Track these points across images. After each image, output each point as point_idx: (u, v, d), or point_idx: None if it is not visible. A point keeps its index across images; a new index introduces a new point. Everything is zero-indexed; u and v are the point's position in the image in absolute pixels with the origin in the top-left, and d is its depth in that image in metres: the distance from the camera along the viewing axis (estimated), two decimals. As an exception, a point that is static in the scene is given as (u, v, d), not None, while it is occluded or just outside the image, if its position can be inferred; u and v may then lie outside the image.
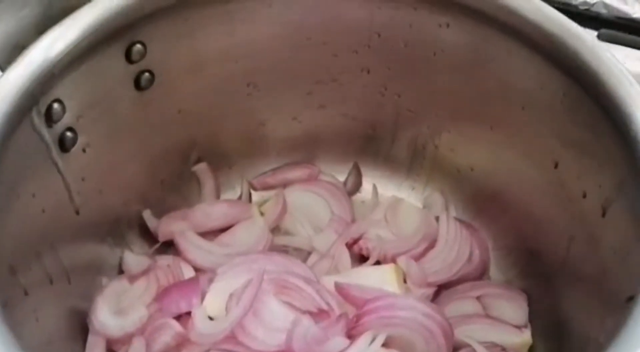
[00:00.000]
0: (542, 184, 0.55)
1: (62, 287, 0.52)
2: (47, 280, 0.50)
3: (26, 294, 0.45)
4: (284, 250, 0.62)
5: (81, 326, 0.55)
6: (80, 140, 0.50)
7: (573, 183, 0.51)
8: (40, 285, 0.48)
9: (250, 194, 0.68)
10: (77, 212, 0.53)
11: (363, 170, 0.69)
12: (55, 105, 0.47)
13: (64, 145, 0.49)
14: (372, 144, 0.67)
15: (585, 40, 0.47)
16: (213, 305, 0.53)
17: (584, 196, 0.50)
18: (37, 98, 0.44)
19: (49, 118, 0.46)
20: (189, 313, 0.53)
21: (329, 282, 0.54)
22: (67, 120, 0.48)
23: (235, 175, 0.68)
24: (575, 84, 0.47)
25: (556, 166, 0.53)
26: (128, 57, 0.51)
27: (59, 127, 0.48)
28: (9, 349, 0.31)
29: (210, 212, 0.63)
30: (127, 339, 0.53)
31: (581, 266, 0.52)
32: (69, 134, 0.49)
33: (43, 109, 0.46)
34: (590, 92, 0.46)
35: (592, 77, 0.46)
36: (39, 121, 0.46)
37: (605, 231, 0.48)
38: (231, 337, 0.50)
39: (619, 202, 0.46)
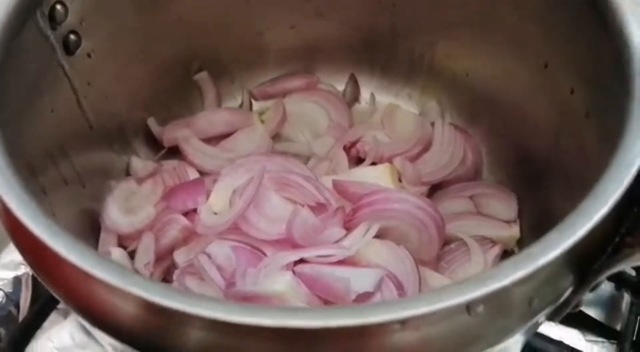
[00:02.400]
0: (532, 84, 0.57)
1: (76, 189, 0.55)
2: (63, 182, 0.52)
3: (45, 193, 0.48)
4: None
5: (94, 225, 0.58)
6: (84, 45, 0.52)
7: (561, 81, 0.53)
8: (57, 186, 0.51)
9: (250, 104, 0.70)
10: (85, 116, 0.55)
11: (361, 80, 0.70)
12: (58, 7, 0.48)
13: (68, 48, 0.51)
14: (369, 53, 0.68)
15: None
16: (217, 202, 0.56)
17: (572, 92, 0.52)
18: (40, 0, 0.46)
19: (53, 19, 0.48)
20: (194, 211, 0.56)
21: (327, 181, 0.57)
22: (70, 22, 0.50)
23: (236, 85, 0.69)
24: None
25: (546, 66, 0.55)
26: (128, -40, 0.52)
27: (63, 29, 0.50)
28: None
29: (212, 119, 0.65)
30: (137, 235, 0.57)
31: (567, 161, 0.54)
32: (72, 36, 0.51)
33: (46, 11, 0.47)
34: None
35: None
36: (43, 23, 0.47)
37: (590, 126, 0.50)
38: (235, 228, 0.53)
39: (604, 96, 0.48)
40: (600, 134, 0.49)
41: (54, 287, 0.34)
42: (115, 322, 0.32)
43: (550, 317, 0.38)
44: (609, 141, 0.46)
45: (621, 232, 0.35)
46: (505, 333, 0.34)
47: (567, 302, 0.36)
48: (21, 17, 0.44)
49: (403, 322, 0.29)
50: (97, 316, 0.32)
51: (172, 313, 0.29)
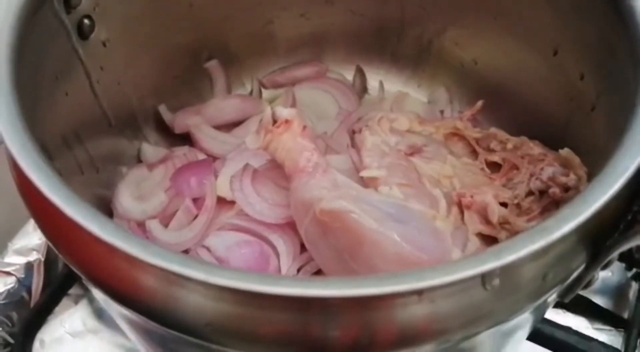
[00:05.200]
0: (542, 71, 0.57)
1: (90, 175, 0.55)
2: (77, 167, 0.53)
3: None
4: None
5: (106, 212, 0.58)
6: (98, 29, 0.53)
7: (571, 67, 0.53)
8: (72, 172, 0.52)
9: (260, 92, 0.70)
10: (98, 102, 0.56)
11: (370, 67, 0.71)
12: (73, -10, 0.49)
13: (82, 32, 0.51)
14: (379, 42, 0.69)
15: None
16: (223, 187, 0.56)
17: (582, 78, 0.52)
18: (56, -17, 0.46)
19: (68, 4, 0.49)
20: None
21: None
22: (84, 7, 0.50)
23: (246, 73, 0.70)
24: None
25: (555, 53, 0.55)
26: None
27: (78, 13, 0.50)
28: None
29: (223, 106, 0.65)
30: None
31: (577, 148, 0.54)
32: (86, 21, 0.51)
33: (61, -6, 0.48)
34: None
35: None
36: (59, 6, 0.48)
37: (601, 111, 0.51)
38: (243, 214, 0.53)
39: (614, 81, 0.48)
40: (610, 119, 0.49)
41: (72, 260, 0.34)
42: (133, 294, 0.32)
43: (562, 295, 0.38)
44: (619, 126, 0.47)
45: (633, 209, 0.36)
46: (517, 309, 0.34)
47: (579, 279, 0.36)
48: (37, 1, 0.45)
49: (420, 293, 0.30)
50: (116, 288, 0.32)
51: (191, 283, 0.29)
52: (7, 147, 0.37)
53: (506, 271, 0.31)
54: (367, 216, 0.44)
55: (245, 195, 0.53)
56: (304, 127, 0.51)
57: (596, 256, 0.35)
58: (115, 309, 0.39)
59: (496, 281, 0.31)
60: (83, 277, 0.34)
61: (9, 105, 0.39)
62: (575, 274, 0.35)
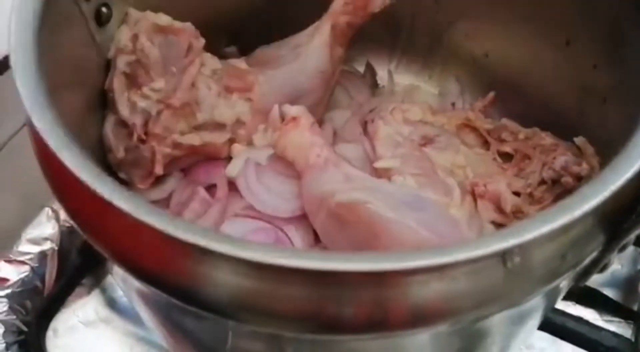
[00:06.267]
0: (554, 63, 0.57)
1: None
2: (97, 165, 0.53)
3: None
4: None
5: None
6: (115, 16, 0.53)
7: (584, 58, 0.54)
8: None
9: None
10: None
11: (381, 60, 0.71)
12: (92, -21, 0.49)
13: (100, 19, 0.51)
14: (390, 34, 0.69)
15: None
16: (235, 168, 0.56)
17: (595, 68, 0.53)
18: (74, -30, 0.47)
19: (86, -8, 0.49)
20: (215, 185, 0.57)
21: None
22: (102, -6, 0.51)
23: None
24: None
25: (568, 43, 0.56)
26: None
27: (96, 1, 0.50)
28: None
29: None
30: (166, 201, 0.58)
31: (589, 136, 0.54)
32: (104, 9, 0.52)
33: (80, -18, 0.48)
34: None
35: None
36: (78, -6, 0.48)
37: (614, 101, 0.51)
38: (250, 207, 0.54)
39: (628, 69, 0.49)
40: (623, 110, 0.49)
41: (96, 237, 0.34)
42: (157, 270, 0.32)
43: (578, 279, 0.39)
44: (633, 115, 0.48)
45: (651, 192, 0.36)
46: (533, 290, 0.35)
47: (596, 261, 0.37)
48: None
49: (442, 269, 0.30)
50: (139, 264, 0.33)
51: (213, 257, 0.30)
52: (33, 125, 0.37)
53: (527, 249, 0.31)
54: (384, 205, 0.45)
55: (255, 193, 0.53)
56: (312, 123, 0.51)
57: (613, 238, 0.35)
58: (134, 288, 0.39)
59: (517, 259, 0.31)
60: (107, 254, 0.34)
61: (36, 88, 0.40)
62: (592, 256, 0.36)
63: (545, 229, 0.30)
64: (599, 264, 0.37)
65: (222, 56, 0.65)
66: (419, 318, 0.33)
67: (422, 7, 0.66)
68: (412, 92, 0.68)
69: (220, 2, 0.63)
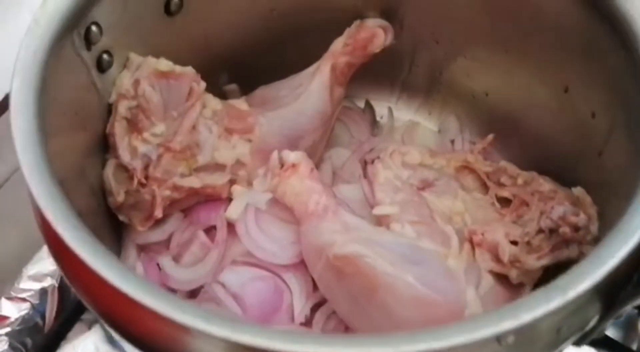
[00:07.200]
0: (553, 107, 0.58)
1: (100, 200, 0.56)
2: (90, 191, 0.54)
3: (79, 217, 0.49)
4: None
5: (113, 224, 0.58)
6: (116, 61, 0.53)
7: (582, 105, 0.54)
8: (85, 196, 0.53)
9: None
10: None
11: (381, 96, 0.71)
12: (94, 28, 0.49)
13: (101, 66, 0.52)
14: (390, 71, 0.70)
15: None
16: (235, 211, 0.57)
17: (593, 116, 0.53)
18: (77, 21, 0.47)
19: (88, 40, 0.49)
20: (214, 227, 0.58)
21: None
22: (104, 43, 0.51)
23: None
24: (593, 13, 0.49)
25: (566, 90, 0.56)
26: (159, -19, 0.54)
27: (97, 49, 0.51)
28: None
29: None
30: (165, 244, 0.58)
31: (587, 183, 0.55)
32: (105, 56, 0.52)
33: (82, 32, 0.48)
34: (609, 20, 0.47)
35: (610, 4, 0.47)
36: (79, 43, 0.49)
37: (612, 148, 0.51)
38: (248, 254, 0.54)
39: (626, 120, 0.49)
40: (621, 159, 0.50)
41: (92, 305, 0.35)
42: (152, 343, 0.33)
43: (575, 344, 0.39)
44: (631, 167, 0.48)
45: (646, 262, 0.36)
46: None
47: (592, 329, 0.37)
48: (61, 39, 0.46)
49: (437, 352, 0.30)
50: (134, 335, 0.33)
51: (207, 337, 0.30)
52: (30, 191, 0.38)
53: (521, 328, 0.31)
54: (381, 259, 0.45)
55: (254, 239, 0.53)
56: (311, 169, 0.51)
57: (609, 310, 0.35)
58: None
59: (511, 338, 0.31)
60: (104, 323, 0.34)
61: (34, 146, 0.40)
62: (588, 326, 0.36)
63: (540, 311, 0.30)
64: (594, 332, 0.37)
65: (222, 93, 0.66)
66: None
67: (423, 45, 0.66)
68: (412, 129, 0.68)
69: (221, 41, 0.63)
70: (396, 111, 0.71)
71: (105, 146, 0.55)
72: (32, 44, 0.44)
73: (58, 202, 0.39)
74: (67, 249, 0.34)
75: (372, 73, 0.70)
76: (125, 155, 0.54)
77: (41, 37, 0.44)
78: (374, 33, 0.61)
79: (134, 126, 0.54)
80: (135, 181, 0.54)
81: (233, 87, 0.67)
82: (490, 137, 0.62)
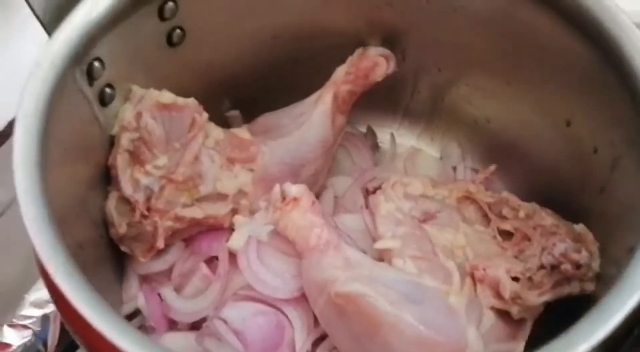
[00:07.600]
0: (554, 140, 0.58)
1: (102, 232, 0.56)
2: (92, 223, 0.54)
3: (81, 248, 0.50)
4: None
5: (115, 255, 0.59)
6: (118, 94, 0.53)
7: (585, 139, 0.54)
8: (87, 229, 0.53)
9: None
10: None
11: (383, 122, 0.71)
12: (96, 64, 0.49)
13: (103, 100, 0.52)
14: (392, 97, 0.70)
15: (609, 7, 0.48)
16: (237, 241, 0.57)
17: (595, 152, 0.53)
18: (80, 58, 0.47)
19: (90, 76, 0.49)
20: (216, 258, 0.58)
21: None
22: (106, 77, 0.51)
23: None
24: (594, 49, 0.49)
25: (568, 124, 0.56)
26: (161, 14, 0.53)
27: (99, 83, 0.51)
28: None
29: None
30: (166, 274, 0.58)
31: (589, 216, 0.55)
32: (108, 90, 0.52)
33: (85, 68, 0.49)
34: (610, 57, 0.48)
35: (611, 42, 0.47)
36: (81, 79, 0.49)
37: (614, 184, 0.51)
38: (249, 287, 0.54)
39: (629, 157, 0.49)
40: (623, 196, 0.50)
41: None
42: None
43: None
44: (635, 203, 0.48)
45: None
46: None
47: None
48: (64, 79, 0.46)
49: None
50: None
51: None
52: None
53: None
54: (382, 298, 0.45)
55: (255, 272, 0.53)
56: (313, 203, 0.52)
57: (610, 362, 0.35)
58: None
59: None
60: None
61: (33, 182, 0.41)
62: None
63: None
64: (594, 383, 0.37)
65: (224, 119, 0.66)
66: None
67: (425, 72, 0.66)
68: (414, 156, 0.68)
69: (223, 69, 0.63)
70: (398, 137, 0.71)
71: (107, 178, 0.55)
72: (35, 86, 0.44)
73: (51, 240, 0.40)
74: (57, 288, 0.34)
75: (375, 99, 0.69)
76: (127, 188, 0.54)
77: (44, 79, 0.44)
78: (376, 62, 0.61)
79: (136, 158, 0.54)
80: (138, 214, 0.54)
81: (235, 113, 0.67)
82: (492, 167, 0.62)
